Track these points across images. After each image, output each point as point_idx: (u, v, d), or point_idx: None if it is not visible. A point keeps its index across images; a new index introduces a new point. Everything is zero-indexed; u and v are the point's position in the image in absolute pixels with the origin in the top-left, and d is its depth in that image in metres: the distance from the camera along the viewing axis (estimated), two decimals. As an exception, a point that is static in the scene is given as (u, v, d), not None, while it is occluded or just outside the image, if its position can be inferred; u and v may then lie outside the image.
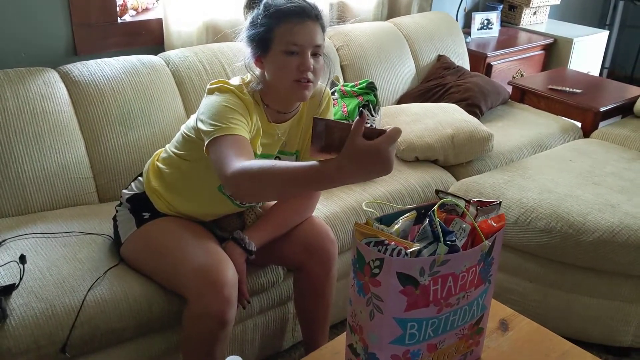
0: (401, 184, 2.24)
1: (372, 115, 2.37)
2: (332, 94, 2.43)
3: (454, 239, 1.12)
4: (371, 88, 2.37)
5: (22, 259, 1.60)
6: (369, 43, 2.83)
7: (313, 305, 1.82)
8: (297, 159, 1.74)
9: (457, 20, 3.55)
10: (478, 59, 3.33)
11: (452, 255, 1.09)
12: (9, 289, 1.53)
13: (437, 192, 1.24)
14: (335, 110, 2.34)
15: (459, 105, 2.70)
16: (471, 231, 1.17)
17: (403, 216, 1.20)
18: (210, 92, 1.53)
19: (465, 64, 3.19)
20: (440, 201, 1.20)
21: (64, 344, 1.50)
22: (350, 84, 2.41)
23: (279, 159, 1.70)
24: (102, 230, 1.85)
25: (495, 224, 1.18)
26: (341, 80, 2.51)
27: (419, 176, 2.31)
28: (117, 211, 1.78)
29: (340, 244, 1.94)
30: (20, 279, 1.57)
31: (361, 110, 1.65)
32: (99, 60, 2.18)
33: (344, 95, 2.39)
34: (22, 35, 2.16)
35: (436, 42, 3.09)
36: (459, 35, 3.21)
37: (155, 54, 2.34)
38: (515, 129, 2.76)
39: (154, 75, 2.21)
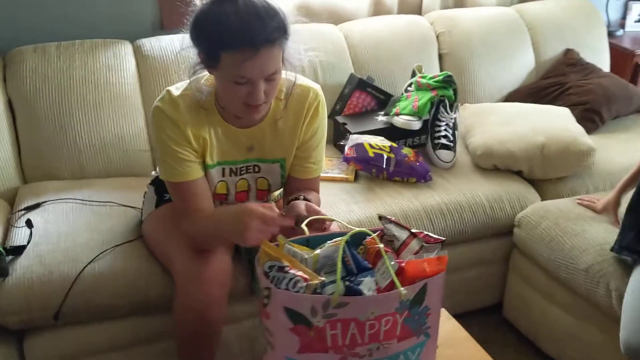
0: (464, 194, 1.97)
1: (448, 113, 2.11)
2: (409, 85, 2.21)
3: (361, 279, 0.92)
4: (449, 82, 2.11)
5: (29, 223, 1.67)
6: (477, 30, 2.52)
7: None
8: (282, 168, 1.59)
9: (606, 9, 3.04)
10: (624, 58, 2.82)
11: (352, 298, 0.91)
12: (19, 249, 1.62)
13: (380, 217, 1.04)
14: (406, 104, 2.13)
15: (574, 109, 2.31)
16: (400, 271, 0.97)
17: (332, 240, 1.03)
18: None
19: (603, 62, 2.71)
20: (353, 230, 1.00)
21: (56, 311, 1.56)
22: (429, 76, 2.17)
23: (257, 167, 1.56)
24: (138, 205, 1.88)
25: (428, 268, 0.95)
26: (423, 71, 2.27)
27: (490, 188, 2.02)
28: (147, 189, 1.79)
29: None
30: (28, 242, 1.65)
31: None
32: (173, 36, 2.20)
33: (419, 87, 2.16)
34: (112, 10, 2.24)
35: (566, 33, 2.66)
36: (599, 27, 2.74)
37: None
38: (642, 145, 2.30)
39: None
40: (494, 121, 2.20)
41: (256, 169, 1.56)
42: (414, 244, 0.99)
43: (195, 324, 1.47)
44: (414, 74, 2.24)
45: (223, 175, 1.53)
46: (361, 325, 0.93)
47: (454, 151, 2.11)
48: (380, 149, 1.97)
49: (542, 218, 1.86)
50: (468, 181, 2.03)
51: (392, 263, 0.96)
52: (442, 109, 2.12)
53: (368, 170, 2.00)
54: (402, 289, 0.91)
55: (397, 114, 2.11)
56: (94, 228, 1.75)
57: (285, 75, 1.46)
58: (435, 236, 1.00)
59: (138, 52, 2.15)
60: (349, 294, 0.90)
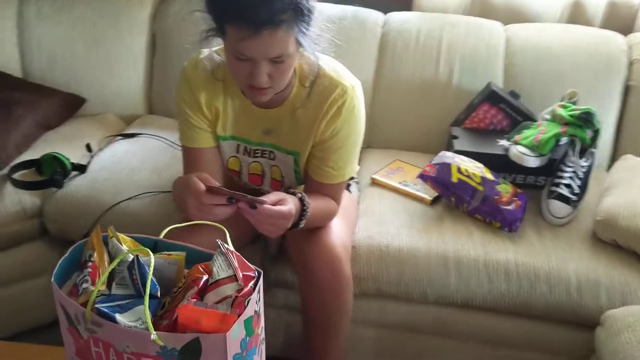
0: (551, 262, 1.55)
1: (579, 159, 1.67)
2: (548, 112, 1.80)
3: (135, 307, 0.79)
4: (586, 120, 1.65)
5: (88, 147, 1.81)
6: (694, 67, 1.92)
7: (315, 314, 1.51)
8: (295, 163, 1.42)
9: None
10: None
11: (105, 321, 0.79)
12: (83, 168, 1.78)
13: (219, 244, 0.87)
14: (530, 133, 1.74)
15: None
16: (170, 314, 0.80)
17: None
18: None
19: None
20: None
21: (85, 233, 1.68)
22: (571, 107, 1.73)
23: (273, 154, 1.43)
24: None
25: (204, 322, 0.77)
26: (580, 101, 1.81)
27: (591, 266, 1.55)
28: None
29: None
30: (87, 164, 1.79)
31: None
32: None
33: (553, 117, 1.74)
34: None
35: None
36: None
37: (404, 10, 2.15)
38: None
39: (358, 32, 2.05)
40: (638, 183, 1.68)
41: (271, 155, 1.44)
42: (227, 289, 0.80)
43: None
44: (564, 100, 1.82)
45: (237, 151, 1.45)
46: (120, 355, 0.80)
47: (573, 207, 1.67)
48: (469, 177, 1.66)
49: (627, 326, 1.38)
50: (567, 248, 1.59)
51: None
52: (570, 151, 1.68)
53: (447, 197, 1.70)
54: (153, 332, 0.75)
55: (516, 143, 1.74)
56: (158, 171, 1.83)
57: (317, 61, 1.31)
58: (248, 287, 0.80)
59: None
60: (101, 315, 0.78)
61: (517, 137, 1.75)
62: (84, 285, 0.83)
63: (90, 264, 0.86)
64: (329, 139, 1.37)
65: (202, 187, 1.14)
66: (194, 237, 1.20)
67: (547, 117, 1.77)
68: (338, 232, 1.45)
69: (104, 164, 1.84)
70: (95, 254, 0.87)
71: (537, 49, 1.98)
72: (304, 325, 1.56)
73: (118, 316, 0.77)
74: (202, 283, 0.82)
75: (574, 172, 1.68)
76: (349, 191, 1.69)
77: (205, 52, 1.38)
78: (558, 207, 1.67)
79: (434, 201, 1.74)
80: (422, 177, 1.70)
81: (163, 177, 1.80)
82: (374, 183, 1.84)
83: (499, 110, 1.88)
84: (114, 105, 2.16)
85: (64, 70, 2.11)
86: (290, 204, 1.21)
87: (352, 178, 1.72)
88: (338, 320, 1.48)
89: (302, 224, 1.30)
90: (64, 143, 1.91)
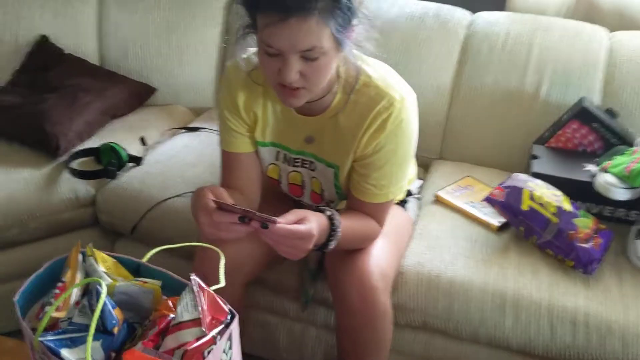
0: (627, 315, 1.33)
1: None
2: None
3: (83, 340, 0.71)
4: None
5: (142, 140, 1.78)
6: None
7: (346, 344, 1.39)
8: (335, 176, 1.29)
9: None
10: None
11: (50, 354, 0.71)
12: (138, 160, 1.76)
13: (192, 279, 0.77)
14: (622, 161, 1.50)
15: None
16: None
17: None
18: None
19: None
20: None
21: (133, 225, 1.66)
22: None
23: (313, 164, 1.30)
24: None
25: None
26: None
27: None
28: None
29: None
30: (142, 157, 1.76)
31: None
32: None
33: (653, 145, 1.49)
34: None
35: None
36: None
37: (495, 9, 1.96)
38: None
39: (439, 32, 1.88)
40: None
41: (312, 166, 1.33)
42: (187, 334, 0.70)
43: None
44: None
45: (277, 159, 1.35)
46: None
47: (667, 252, 1.42)
48: (543, 205, 1.45)
49: None
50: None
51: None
52: (668, 186, 1.43)
53: (515, 225, 1.51)
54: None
55: (605, 170, 1.51)
56: (213, 168, 1.75)
57: (359, 65, 1.19)
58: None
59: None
60: (47, 348, 0.70)
61: (606, 164, 1.52)
62: (47, 308, 0.77)
63: (60, 284, 0.79)
64: (372, 154, 1.23)
65: (212, 204, 1.05)
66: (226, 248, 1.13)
67: (645, 143, 1.52)
68: (378, 257, 1.32)
69: (160, 158, 1.81)
70: (68, 274, 0.80)
71: (646, 61, 1.71)
72: (337, 350, 1.45)
73: (64, 351, 0.70)
74: (164, 323, 0.73)
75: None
76: (404, 208, 1.54)
77: (250, 52, 1.29)
78: (647, 250, 1.43)
79: (502, 228, 1.55)
80: (489, 200, 1.51)
81: (216, 175, 1.71)
82: (438, 200, 1.67)
83: (590, 130, 1.65)
84: (184, 96, 2.13)
85: (137, 59, 2.10)
86: (311, 223, 1.08)
87: (410, 194, 1.57)
88: (370, 351, 1.35)
89: (331, 245, 1.18)
90: (128, 132, 1.90)
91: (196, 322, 0.72)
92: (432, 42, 1.87)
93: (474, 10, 1.95)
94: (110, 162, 1.72)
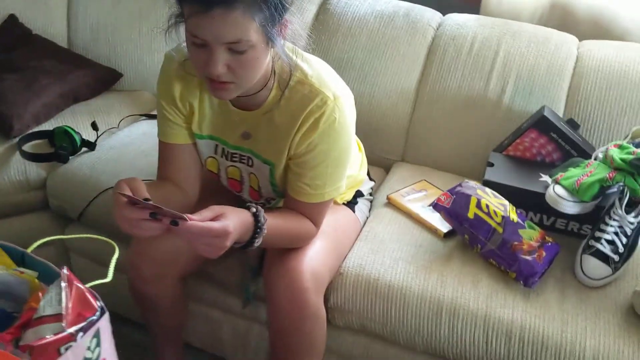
0: (564, 332, 1.29)
1: (626, 213, 1.38)
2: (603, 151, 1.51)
3: None
4: (638, 167, 1.35)
5: (94, 125, 1.75)
6: None
7: (276, 345, 1.37)
8: (271, 174, 1.26)
9: None
10: None
11: None
12: (91, 145, 1.74)
13: (62, 271, 0.74)
14: (574, 173, 1.46)
15: None
16: None
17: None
18: None
19: None
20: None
21: (80, 212, 1.64)
22: (629, 149, 1.42)
23: (251, 160, 1.28)
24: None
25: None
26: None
27: (618, 348, 1.27)
28: None
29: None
30: (95, 142, 1.74)
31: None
32: (370, -3, 1.94)
33: (605, 158, 1.45)
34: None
35: None
36: None
37: (469, 12, 1.92)
38: None
39: (408, 32, 1.85)
40: None
41: (249, 162, 1.30)
42: (47, 329, 0.67)
43: (131, 291, 1.42)
44: (625, 139, 1.51)
45: (215, 152, 1.33)
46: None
47: (613, 269, 1.39)
48: (489, 214, 1.42)
49: None
50: (592, 318, 1.31)
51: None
52: (617, 202, 1.39)
53: (460, 233, 1.48)
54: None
55: (557, 182, 1.47)
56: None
57: (291, 61, 1.17)
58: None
59: (323, 7, 1.96)
60: None
61: (559, 175, 1.48)
62: None
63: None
64: (305, 153, 1.20)
65: (122, 198, 1.03)
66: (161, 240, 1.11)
67: (601, 156, 1.48)
68: (311, 257, 1.29)
69: (115, 144, 1.79)
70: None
71: (611, 72, 1.67)
72: (270, 348, 1.43)
73: None
74: (28, 316, 0.70)
75: (620, 227, 1.39)
76: (353, 210, 1.52)
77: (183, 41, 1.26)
78: (593, 266, 1.39)
79: (449, 235, 1.52)
80: (435, 206, 1.48)
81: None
82: (390, 203, 1.64)
83: (549, 139, 1.61)
84: (151, 83, 2.10)
85: (106, 44, 2.08)
86: (228, 220, 1.05)
87: (360, 194, 1.54)
88: (301, 353, 1.33)
89: (256, 243, 1.15)
90: (87, 117, 1.88)
91: (58, 317, 0.69)
92: (399, 42, 1.84)
93: (446, 12, 1.91)
94: (62, 145, 1.70)
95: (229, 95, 1.12)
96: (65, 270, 0.74)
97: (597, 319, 1.32)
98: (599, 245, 1.40)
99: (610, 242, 1.40)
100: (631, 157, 1.37)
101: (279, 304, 1.26)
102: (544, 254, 1.40)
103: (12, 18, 2.04)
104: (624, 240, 1.40)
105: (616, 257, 1.39)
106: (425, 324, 1.36)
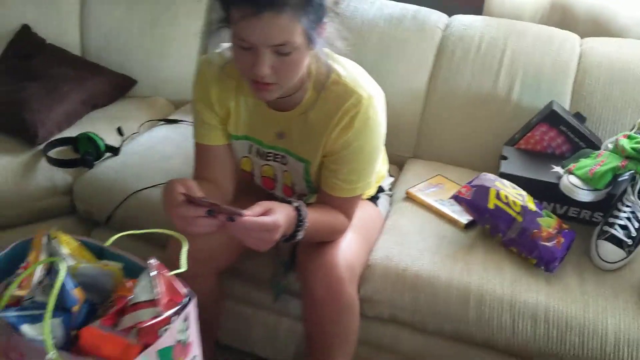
0: (587, 313, 1.36)
1: (636, 197, 1.46)
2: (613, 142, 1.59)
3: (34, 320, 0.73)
4: (650, 156, 1.44)
5: (119, 130, 1.80)
6: None
7: (312, 334, 1.42)
8: (305, 171, 1.32)
9: None
10: None
11: (10, 329, 0.74)
12: (115, 150, 1.78)
13: (149, 263, 0.80)
14: (587, 163, 1.54)
15: None
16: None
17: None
18: None
19: None
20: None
21: (108, 215, 1.68)
22: (637, 137, 1.51)
23: (284, 158, 1.33)
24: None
25: (104, 348, 0.70)
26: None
27: (637, 325, 1.35)
28: None
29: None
30: (119, 147, 1.78)
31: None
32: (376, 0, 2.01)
33: (615, 148, 1.53)
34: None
35: None
36: None
37: (472, 13, 2.00)
38: None
39: (416, 34, 1.92)
40: None
41: (284, 160, 1.36)
42: (144, 314, 0.73)
43: None
44: (633, 130, 1.60)
45: (249, 152, 1.38)
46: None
47: (628, 253, 1.47)
48: (508, 204, 1.49)
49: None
50: (611, 299, 1.39)
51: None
52: (629, 189, 1.48)
53: (481, 223, 1.55)
54: (52, 351, 0.69)
55: (570, 172, 1.55)
56: (190, 160, 1.77)
57: (330, 63, 1.23)
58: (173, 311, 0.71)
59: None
60: (7, 323, 0.73)
61: (572, 166, 1.56)
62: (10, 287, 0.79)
63: (23, 264, 0.82)
64: (340, 150, 1.26)
65: (180, 197, 1.07)
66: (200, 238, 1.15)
67: (610, 146, 1.56)
68: (346, 249, 1.35)
69: (138, 149, 1.83)
70: (32, 254, 0.83)
71: (613, 68, 1.76)
72: (305, 341, 1.48)
73: (26, 327, 0.72)
74: (122, 303, 0.76)
75: (632, 212, 1.48)
76: (376, 204, 1.58)
77: (224, 46, 1.31)
78: (609, 250, 1.47)
79: (469, 226, 1.59)
80: (456, 198, 1.55)
81: (193, 167, 1.76)
82: (409, 197, 1.71)
83: (558, 132, 1.69)
84: (165, 89, 2.16)
85: (119, 51, 2.12)
86: (277, 215, 1.11)
87: (381, 190, 1.61)
88: (337, 342, 1.39)
89: (299, 235, 1.21)
90: (107, 123, 1.92)
91: (153, 302, 0.75)
92: (408, 43, 1.91)
93: (451, 13, 1.99)
94: (87, 151, 1.73)
95: (272, 95, 1.18)
96: (153, 261, 0.79)
97: (615, 299, 1.40)
98: (613, 231, 1.48)
99: (624, 227, 1.48)
100: (641, 146, 1.45)
101: (316, 296, 1.32)
102: (562, 240, 1.48)
103: (25, 28, 2.07)
104: (637, 224, 1.48)
105: (629, 242, 1.47)
106: (454, 311, 1.43)
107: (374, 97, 1.24)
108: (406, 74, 1.90)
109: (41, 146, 1.77)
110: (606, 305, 1.38)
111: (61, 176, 1.74)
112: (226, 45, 1.31)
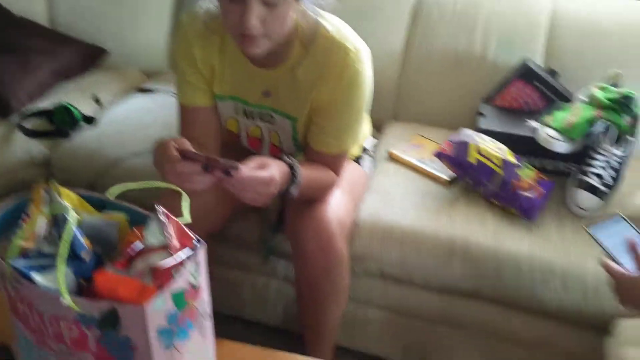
0: (571, 259, 1.42)
1: (612, 146, 1.51)
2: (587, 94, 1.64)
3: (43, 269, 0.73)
4: (624, 105, 1.49)
5: (97, 100, 1.77)
6: None
7: (305, 290, 1.44)
8: (293, 128, 1.33)
9: None
10: None
11: (22, 278, 0.73)
12: (91, 120, 1.75)
13: (157, 208, 0.80)
14: (562, 116, 1.59)
15: None
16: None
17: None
18: None
19: None
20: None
21: (91, 184, 1.66)
22: (611, 90, 1.56)
23: (271, 117, 1.34)
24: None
25: (122, 291, 0.71)
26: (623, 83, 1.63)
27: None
28: None
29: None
30: (97, 116, 1.76)
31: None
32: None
33: (590, 100, 1.58)
34: None
35: None
36: None
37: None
38: None
39: (390, -4, 1.92)
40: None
41: (271, 119, 1.36)
42: (156, 258, 0.73)
43: None
44: (605, 82, 1.64)
45: (236, 113, 1.38)
46: (40, 316, 0.75)
47: (603, 200, 1.52)
48: (489, 158, 1.53)
49: (637, 341, 1.24)
50: (590, 244, 1.45)
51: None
52: (603, 139, 1.53)
53: (461, 179, 1.58)
54: (66, 296, 0.69)
55: (546, 125, 1.60)
56: (169, 128, 1.75)
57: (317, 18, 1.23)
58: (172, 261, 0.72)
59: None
60: (20, 274, 0.73)
61: (547, 119, 1.61)
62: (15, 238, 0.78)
63: (25, 217, 0.81)
64: (328, 105, 1.27)
65: (176, 154, 1.07)
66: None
67: (584, 98, 1.61)
68: (335, 206, 1.37)
69: (115, 118, 1.81)
70: (33, 207, 0.82)
71: (584, 25, 1.80)
72: (297, 300, 1.50)
73: (36, 276, 0.72)
74: (132, 249, 0.76)
75: (606, 161, 1.53)
76: (360, 164, 1.60)
77: (206, 3, 1.30)
78: (585, 198, 1.52)
79: (451, 182, 1.62)
80: (439, 155, 1.58)
81: (173, 134, 1.74)
82: (392, 158, 1.73)
83: (534, 88, 1.73)
84: (137, 59, 2.12)
85: (90, 22, 2.08)
86: (272, 169, 1.12)
87: (365, 150, 1.63)
88: (329, 298, 1.41)
89: (293, 191, 1.22)
90: (80, 93, 1.89)
91: (164, 247, 0.75)
92: (384, 5, 1.91)
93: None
94: (62, 121, 1.71)
95: (260, 49, 1.17)
96: (159, 206, 0.79)
97: (593, 243, 1.45)
98: (588, 179, 1.53)
99: (599, 176, 1.53)
100: (616, 96, 1.50)
101: (307, 253, 1.34)
102: (542, 190, 1.52)
103: (-11, 0, 2.01)
104: (611, 172, 1.53)
105: (604, 189, 1.53)
106: (440, 263, 1.46)
107: (361, 51, 1.25)
108: (383, 36, 1.90)
109: (16, 119, 1.73)
110: (586, 251, 1.43)
111: (37, 148, 1.71)
112: (207, 2, 1.29)
